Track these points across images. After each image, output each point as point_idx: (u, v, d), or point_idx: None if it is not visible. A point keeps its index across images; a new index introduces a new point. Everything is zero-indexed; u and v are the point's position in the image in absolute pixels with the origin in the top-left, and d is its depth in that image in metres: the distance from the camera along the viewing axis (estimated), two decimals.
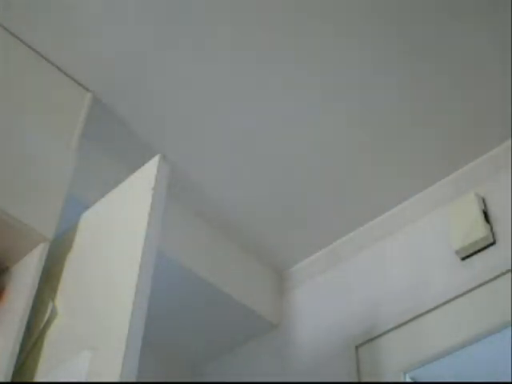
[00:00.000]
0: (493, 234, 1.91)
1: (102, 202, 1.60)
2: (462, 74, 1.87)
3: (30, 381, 1.37)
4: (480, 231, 1.91)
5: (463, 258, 1.93)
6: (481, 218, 1.93)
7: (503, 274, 1.82)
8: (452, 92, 1.91)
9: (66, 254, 1.56)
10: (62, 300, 1.47)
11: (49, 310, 1.45)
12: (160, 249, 1.44)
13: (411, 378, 1.89)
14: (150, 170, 1.47)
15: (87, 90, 1.92)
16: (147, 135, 2.04)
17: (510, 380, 1.77)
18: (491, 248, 1.89)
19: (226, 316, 2.30)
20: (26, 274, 1.48)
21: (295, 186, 2.16)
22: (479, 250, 1.91)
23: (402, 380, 1.88)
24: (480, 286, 1.85)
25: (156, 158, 1.48)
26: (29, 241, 1.51)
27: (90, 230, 1.58)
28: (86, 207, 1.66)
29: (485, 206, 1.98)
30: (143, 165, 1.53)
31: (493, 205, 1.97)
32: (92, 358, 1.24)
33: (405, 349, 1.91)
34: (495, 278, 1.83)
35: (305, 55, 1.84)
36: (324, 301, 2.25)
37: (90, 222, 1.60)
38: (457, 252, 1.93)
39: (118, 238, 1.45)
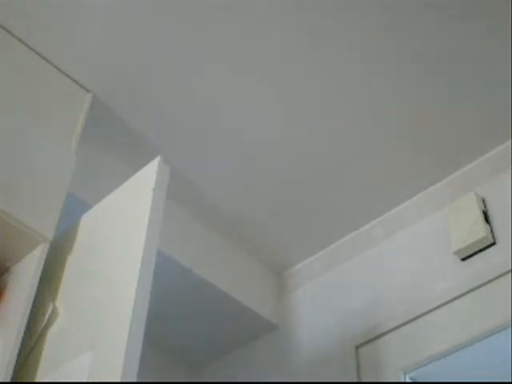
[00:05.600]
0: (493, 235, 1.91)
1: (103, 203, 1.60)
2: (462, 74, 1.87)
3: (30, 381, 1.37)
4: (480, 231, 1.91)
5: (463, 259, 1.93)
6: (481, 218, 1.93)
7: (503, 274, 1.82)
8: (452, 92, 1.91)
9: (67, 254, 1.56)
10: (63, 300, 1.47)
11: (49, 311, 1.45)
12: (160, 249, 1.44)
13: (411, 378, 1.89)
14: (150, 171, 1.48)
15: (87, 90, 1.92)
16: (147, 135, 2.04)
17: (510, 380, 1.77)
18: (491, 248, 1.89)
19: (226, 316, 2.30)
20: (26, 274, 1.48)
21: (295, 187, 2.16)
22: (479, 251, 1.91)
23: (402, 380, 1.88)
24: (480, 286, 1.84)
25: (156, 160, 1.48)
26: (29, 241, 1.51)
27: (90, 231, 1.58)
28: (86, 207, 1.66)
29: (485, 206, 1.98)
30: (143, 165, 1.53)
31: (493, 205, 1.97)
32: (93, 358, 1.24)
33: (405, 349, 1.91)
34: (495, 278, 1.83)
35: (305, 55, 1.84)
36: (324, 301, 2.25)
37: (90, 222, 1.60)
38: (457, 252, 1.93)
39: (118, 238, 1.45)
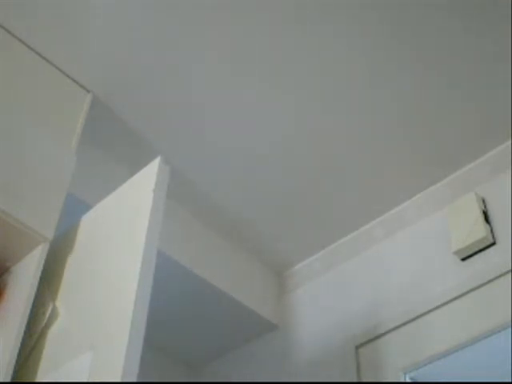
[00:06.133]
0: (493, 235, 1.91)
1: (103, 203, 1.60)
2: (463, 74, 1.87)
3: (30, 381, 1.37)
4: (480, 231, 1.91)
5: (463, 259, 1.93)
6: (481, 218, 1.93)
7: (503, 274, 1.82)
8: (452, 92, 1.91)
9: (67, 254, 1.56)
10: (63, 300, 1.47)
11: (49, 311, 1.45)
12: (160, 249, 1.44)
13: (411, 378, 1.89)
14: (150, 171, 1.47)
15: (87, 90, 1.92)
16: (147, 135, 2.04)
17: (510, 380, 1.77)
18: (491, 248, 1.89)
19: (226, 316, 2.30)
20: (26, 274, 1.48)
21: (295, 187, 2.16)
22: (479, 251, 1.91)
23: (402, 380, 1.88)
24: (480, 286, 1.85)
25: (156, 160, 1.48)
26: (29, 241, 1.51)
27: (90, 231, 1.58)
28: (86, 207, 1.66)
29: (485, 206, 1.98)
30: (143, 164, 1.53)
31: (493, 205, 1.97)
32: (93, 358, 1.24)
33: (405, 349, 1.91)
34: (495, 278, 1.83)
35: (305, 55, 1.84)
36: (324, 301, 2.25)
37: (90, 222, 1.60)
38: (457, 252, 1.93)
39: (118, 238, 1.45)
